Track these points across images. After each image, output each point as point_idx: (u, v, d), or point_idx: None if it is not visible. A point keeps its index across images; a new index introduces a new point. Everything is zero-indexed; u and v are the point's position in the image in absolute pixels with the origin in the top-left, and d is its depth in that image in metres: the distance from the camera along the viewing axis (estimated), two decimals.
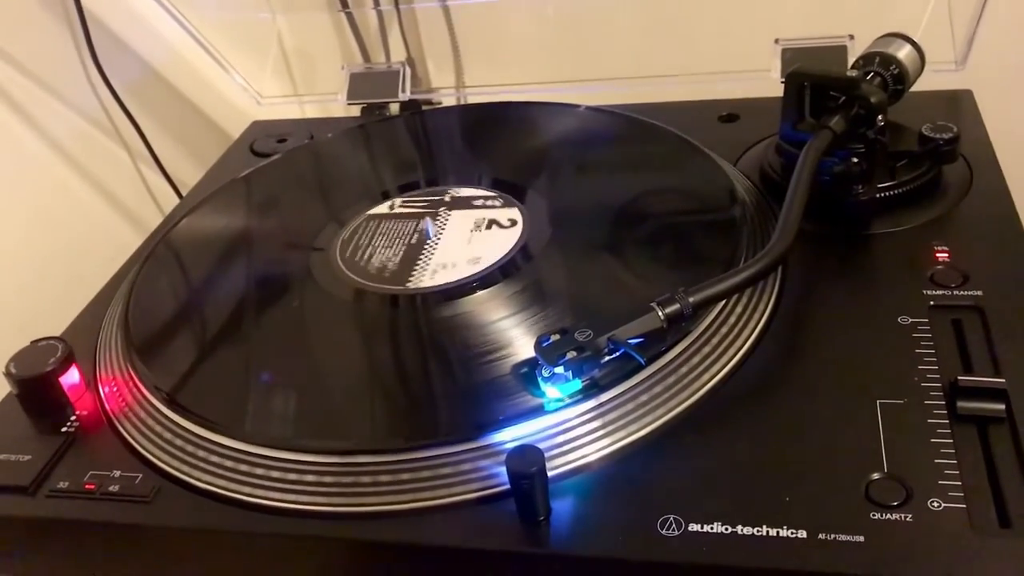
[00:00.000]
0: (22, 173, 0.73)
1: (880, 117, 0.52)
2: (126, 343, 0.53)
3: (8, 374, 0.51)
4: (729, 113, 0.68)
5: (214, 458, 0.46)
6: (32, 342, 0.52)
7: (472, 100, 0.83)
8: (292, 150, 0.72)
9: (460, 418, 0.45)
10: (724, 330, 0.47)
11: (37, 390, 0.51)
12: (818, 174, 0.51)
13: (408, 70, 0.77)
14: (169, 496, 0.45)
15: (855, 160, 0.52)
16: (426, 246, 0.57)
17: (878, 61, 0.57)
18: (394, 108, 0.77)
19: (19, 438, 0.50)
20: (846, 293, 0.50)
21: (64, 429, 0.50)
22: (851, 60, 0.61)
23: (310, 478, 0.43)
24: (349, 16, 0.85)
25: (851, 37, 0.66)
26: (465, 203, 0.61)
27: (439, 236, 0.58)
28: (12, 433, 0.50)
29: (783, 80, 0.55)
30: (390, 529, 0.41)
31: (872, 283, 0.50)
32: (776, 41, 0.68)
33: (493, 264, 0.54)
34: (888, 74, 0.57)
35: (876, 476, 0.39)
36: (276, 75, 0.88)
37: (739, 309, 0.48)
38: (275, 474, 0.44)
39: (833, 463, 0.40)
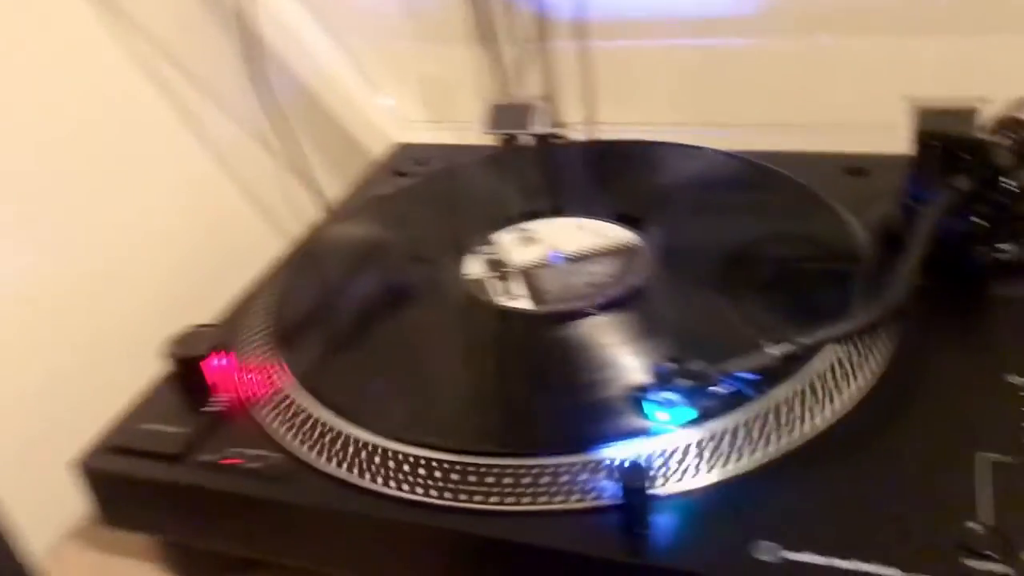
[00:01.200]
0: (181, 170, 0.80)
1: (1008, 180, 0.52)
2: (270, 336, 0.58)
3: (167, 354, 0.56)
4: (855, 167, 0.69)
5: (342, 446, 0.50)
6: (191, 327, 0.58)
7: (603, 137, 0.86)
8: (430, 173, 0.77)
9: (576, 432, 0.48)
10: (834, 374, 0.49)
11: (191, 370, 0.56)
12: (940, 232, 0.52)
13: (544, 105, 0.81)
14: (298, 478, 0.50)
15: (979, 221, 0.53)
16: (551, 270, 0.61)
17: (1011, 124, 0.58)
18: (529, 139, 0.81)
19: (172, 411, 0.55)
20: (959, 350, 0.50)
21: (211, 408, 0.55)
22: (983, 122, 0.62)
23: (439, 474, 0.47)
24: (490, 49, 0.90)
25: (985, 99, 0.66)
26: (589, 233, 0.64)
27: (563, 261, 0.61)
28: (167, 406, 0.56)
29: (913, 138, 0.56)
30: (499, 527, 0.44)
31: (986, 343, 0.51)
32: (908, 98, 0.68)
33: (612, 291, 0.57)
34: (1020, 138, 0.57)
35: (974, 525, 0.40)
36: (419, 101, 0.93)
37: (851, 355, 0.50)
38: (403, 467, 0.47)
39: (932, 508, 0.41)
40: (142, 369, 0.58)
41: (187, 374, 0.56)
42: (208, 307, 0.65)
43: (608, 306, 0.56)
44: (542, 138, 0.80)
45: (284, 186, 0.91)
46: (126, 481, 0.53)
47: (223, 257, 0.82)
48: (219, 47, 0.81)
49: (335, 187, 0.80)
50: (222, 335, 0.58)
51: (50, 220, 0.66)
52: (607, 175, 0.74)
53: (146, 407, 0.56)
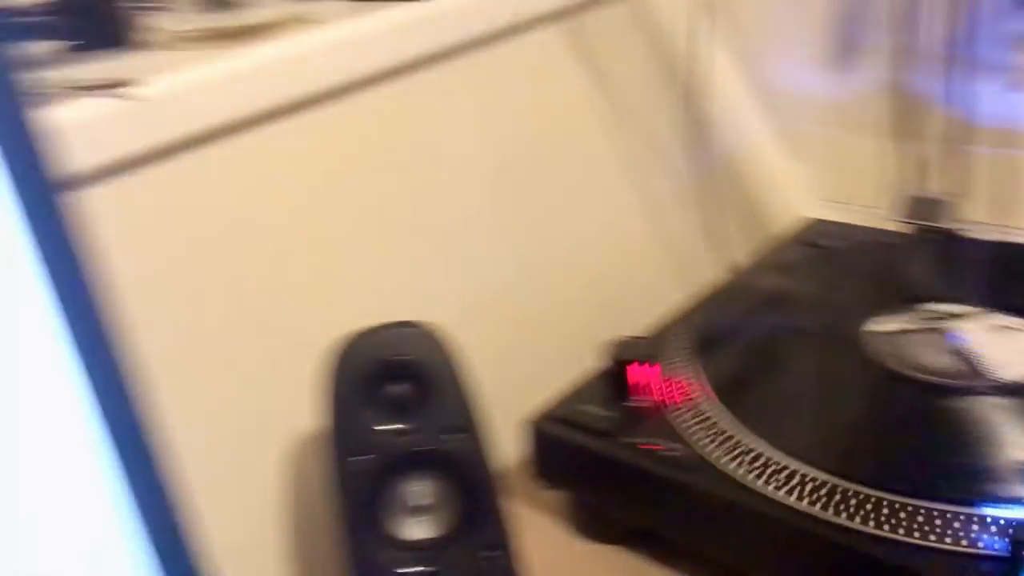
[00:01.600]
0: (617, 209, 0.94)
1: None
2: (689, 356, 0.70)
3: (606, 353, 0.69)
4: None
5: (753, 457, 0.59)
6: (626, 337, 0.71)
7: (1009, 240, 0.88)
8: (842, 247, 0.85)
9: (973, 489, 0.53)
10: None
11: (621, 370, 0.68)
12: None
13: (954, 201, 0.85)
14: (699, 470, 0.60)
15: None
16: (935, 337, 0.67)
17: None
18: (933, 231, 0.86)
19: (600, 399, 0.68)
20: None
21: (630, 403, 0.67)
22: None
23: (838, 496, 0.55)
24: (905, 144, 0.96)
25: None
26: (992, 324, 0.69)
27: (956, 343, 0.66)
28: (596, 394, 0.68)
29: None
30: (883, 551, 0.52)
31: None
32: None
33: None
34: None
35: None
36: (828, 181, 1.01)
37: None
38: (806, 483, 0.56)
39: None
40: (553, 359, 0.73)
41: (617, 373, 0.69)
42: (612, 323, 0.77)
43: (1005, 391, 0.60)
44: (948, 232, 0.85)
45: (694, 238, 1.02)
46: (563, 445, 0.66)
47: (630, 286, 0.95)
48: (669, 115, 0.95)
49: (736, 248, 0.90)
50: (648, 348, 0.70)
51: (522, 239, 0.82)
52: (1011, 274, 0.78)
53: (581, 391, 0.70)
